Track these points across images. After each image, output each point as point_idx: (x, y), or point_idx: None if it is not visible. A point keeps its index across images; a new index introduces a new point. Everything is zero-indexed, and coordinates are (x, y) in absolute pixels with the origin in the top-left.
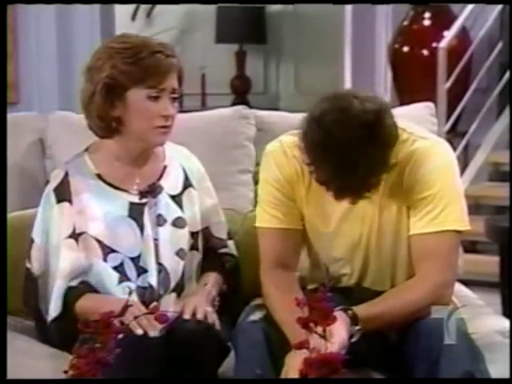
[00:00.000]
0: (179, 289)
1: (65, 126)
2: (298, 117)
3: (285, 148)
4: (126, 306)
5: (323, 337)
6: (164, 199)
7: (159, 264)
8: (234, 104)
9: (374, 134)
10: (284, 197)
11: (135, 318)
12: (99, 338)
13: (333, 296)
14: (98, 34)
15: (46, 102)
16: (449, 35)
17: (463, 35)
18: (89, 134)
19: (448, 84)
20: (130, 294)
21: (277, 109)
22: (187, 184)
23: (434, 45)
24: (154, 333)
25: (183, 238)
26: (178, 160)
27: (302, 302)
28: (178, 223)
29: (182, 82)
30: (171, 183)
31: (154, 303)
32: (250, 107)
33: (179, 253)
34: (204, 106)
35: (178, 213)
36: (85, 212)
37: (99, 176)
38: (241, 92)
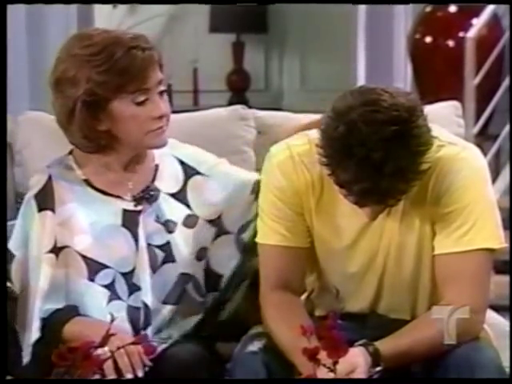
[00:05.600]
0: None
1: (37, 129)
2: (304, 118)
3: (292, 153)
4: (108, 335)
5: (332, 370)
6: (165, 202)
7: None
8: (230, 103)
9: (404, 132)
10: (289, 210)
11: (118, 349)
12: (77, 372)
13: (344, 324)
14: (75, 24)
15: (15, 101)
16: (478, 23)
17: (494, 23)
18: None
19: (477, 80)
20: (112, 321)
21: (279, 108)
22: (190, 174)
23: (461, 34)
24: (139, 372)
25: (200, 235)
26: (169, 154)
27: (309, 330)
28: (189, 222)
29: (163, 68)
30: (168, 181)
31: (142, 332)
32: (249, 107)
33: (200, 253)
34: (196, 105)
35: (185, 211)
36: (69, 223)
37: (87, 182)
38: (238, 89)
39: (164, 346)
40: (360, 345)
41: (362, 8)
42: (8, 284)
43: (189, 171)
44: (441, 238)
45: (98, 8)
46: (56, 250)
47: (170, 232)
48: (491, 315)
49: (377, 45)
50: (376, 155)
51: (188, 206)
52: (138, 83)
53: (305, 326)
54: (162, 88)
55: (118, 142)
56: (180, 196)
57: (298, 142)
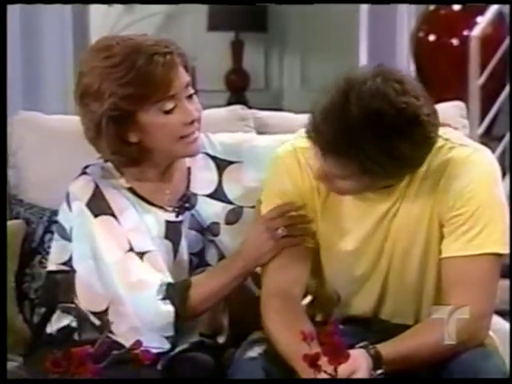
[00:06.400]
0: None
1: (31, 129)
2: (305, 118)
3: (298, 155)
4: (105, 342)
5: (334, 377)
6: (204, 204)
7: None
8: (229, 103)
9: (396, 123)
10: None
11: (113, 357)
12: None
13: (347, 328)
14: (70, 22)
15: (9, 101)
16: (482, 22)
17: (499, 22)
18: (62, 138)
19: (482, 79)
20: (108, 326)
21: (280, 109)
22: (222, 167)
23: (466, 33)
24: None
25: (248, 224)
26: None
27: (309, 336)
28: (232, 217)
29: (188, 69)
30: (203, 183)
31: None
32: (249, 107)
33: None
34: None
35: (226, 207)
36: (141, 228)
37: (132, 190)
38: (238, 89)
39: (174, 352)
40: (361, 347)
41: (364, 6)
42: (76, 301)
43: (221, 164)
44: (449, 241)
45: (94, 6)
46: (136, 254)
47: (216, 235)
48: (495, 320)
49: (379, 43)
50: (351, 119)
51: (228, 201)
52: (162, 91)
53: (305, 332)
54: (191, 91)
55: (150, 153)
56: (218, 194)
57: (304, 144)
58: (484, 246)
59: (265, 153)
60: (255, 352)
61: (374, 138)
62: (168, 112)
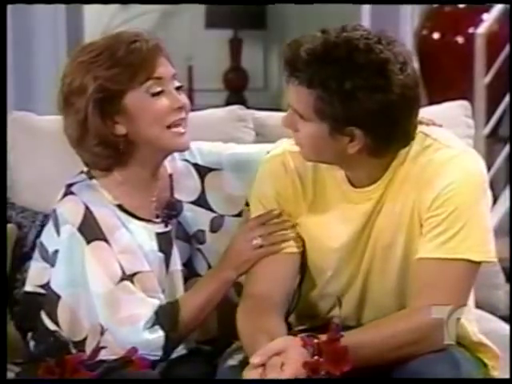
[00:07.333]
0: None
1: (25, 130)
2: None
3: (286, 158)
4: (98, 349)
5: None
6: (190, 212)
7: None
8: (227, 103)
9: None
10: None
11: (108, 364)
12: None
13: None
14: (63, 21)
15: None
16: (488, 19)
17: (506, 19)
18: (56, 139)
19: (487, 78)
20: (102, 333)
21: (279, 108)
22: (203, 173)
23: (471, 30)
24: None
25: (230, 233)
26: (179, 159)
27: (310, 343)
28: (215, 226)
29: (173, 65)
30: (186, 189)
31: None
32: (248, 107)
33: None
34: (191, 105)
35: (210, 215)
36: (130, 249)
37: (120, 207)
38: (236, 88)
39: (172, 357)
40: (305, 336)
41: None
42: (53, 327)
43: (202, 171)
44: (423, 241)
45: (88, 5)
46: (128, 278)
47: (202, 243)
48: (500, 326)
49: None
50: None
51: (210, 208)
52: (147, 71)
53: (305, 339)
54: (178, 84)
55: (137, 149)
56: (201, 201)
57: (296, 149)
58: (456, 251)
59: (244, 160)
60: (236, 360)
61: (336, 69)
62: (155, 95)
